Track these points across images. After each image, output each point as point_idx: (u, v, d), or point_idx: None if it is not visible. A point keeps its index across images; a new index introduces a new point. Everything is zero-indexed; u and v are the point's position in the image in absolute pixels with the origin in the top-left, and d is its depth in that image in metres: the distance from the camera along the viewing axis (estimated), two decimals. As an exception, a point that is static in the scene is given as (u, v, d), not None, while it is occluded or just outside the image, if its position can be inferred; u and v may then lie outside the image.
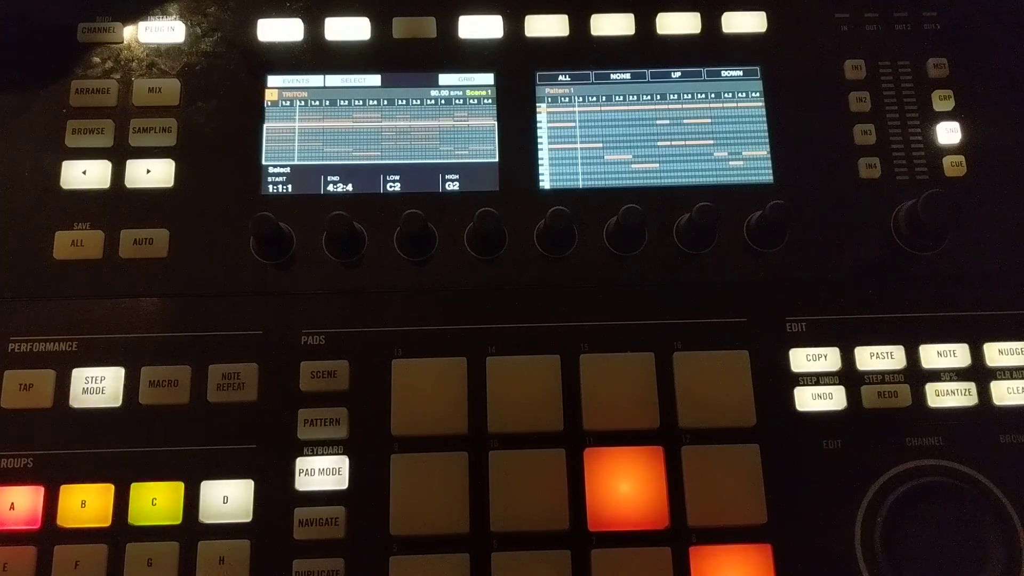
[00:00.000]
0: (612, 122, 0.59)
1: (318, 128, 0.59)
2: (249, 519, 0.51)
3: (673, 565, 0.50)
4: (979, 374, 0.54)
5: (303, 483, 0.51)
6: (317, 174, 0.58)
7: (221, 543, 0.50)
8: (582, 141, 0.59)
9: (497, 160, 0.58)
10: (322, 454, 0.52)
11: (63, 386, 0.53)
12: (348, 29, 0.60)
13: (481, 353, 0.53)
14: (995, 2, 0.62)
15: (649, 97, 0.60)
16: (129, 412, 0.52)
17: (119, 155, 0.57)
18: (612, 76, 0.60)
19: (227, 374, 0.53)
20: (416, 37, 0.60)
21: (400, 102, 0.59)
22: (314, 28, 0.60)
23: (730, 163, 0.58)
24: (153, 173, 0.57)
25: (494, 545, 0.50)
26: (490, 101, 0.59)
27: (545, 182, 0.58)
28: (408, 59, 0.60)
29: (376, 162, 0.58)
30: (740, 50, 0.61)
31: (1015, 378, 0.54)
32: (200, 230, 0.56)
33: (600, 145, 0.59)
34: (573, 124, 0.59)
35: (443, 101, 0.59)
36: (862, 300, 0.55)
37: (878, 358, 0.54)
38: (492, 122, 0.59)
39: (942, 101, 0.60)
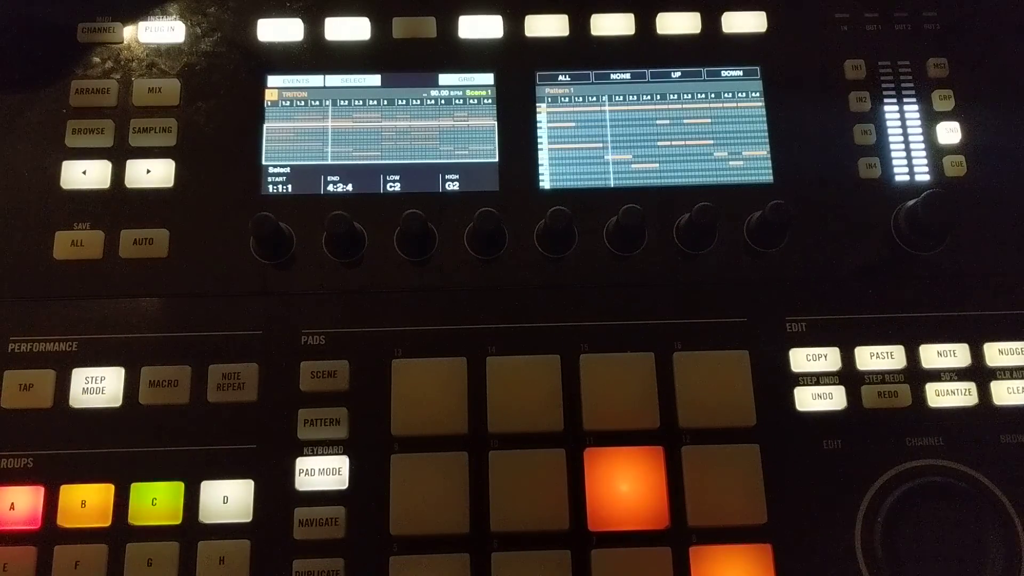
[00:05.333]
0: (612, 122, 0.59)
1: (318, 128, 0.59)
2: (249, 519, 0.51)
3: (673, 565, 0.50)
4: (979, 374, 0.54)
5: (303, 483, 0.51)
6: (317, 174, 0.58)
7: (221, 543, 0.50)
8: (582, 141, 0.59)
9: (497, 160, 0.58)
10: (322, 454, 0.52)
11: (63, 386, 0.53)
12: (348, 29, 0.60)
13: (481, 353, 0.53)
14: (995, 2, 0.62)
15: (649, 97, 0.60)
16: (129, 412, 0.52)
17: (119, 155, 0.57)
18: (612, 76, 0.60)
19: (227, 374, 0.53)
20: (416, 37, 0.60)
21: (400, 102, 0.59)
22: (314, 28, 0.60)
23: (730, 163, 0.58)
24: (153, 173, 0.57)
25: (494, 545, 0.51)
26: (490, 101, 0.59)
27: (545, 182, 0.58)
28: (408, 59, 0.60)
29: (376, 162, 0.58)
30: (740, 50, 0.61)
31: (1015, 378, 0.54)
32: (200, 230, 0.56)
33: (600, 145, 0.59)
34: (573, 124, 0.59)
35: (443, 101, 0.59)
36: (862, 300, 0.55)
37: (878, 358, 0.54)
38: (492, 122, 0.59)
39: (942, 101, 0.60)
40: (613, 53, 0.60)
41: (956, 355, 0.54)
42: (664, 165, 0.58)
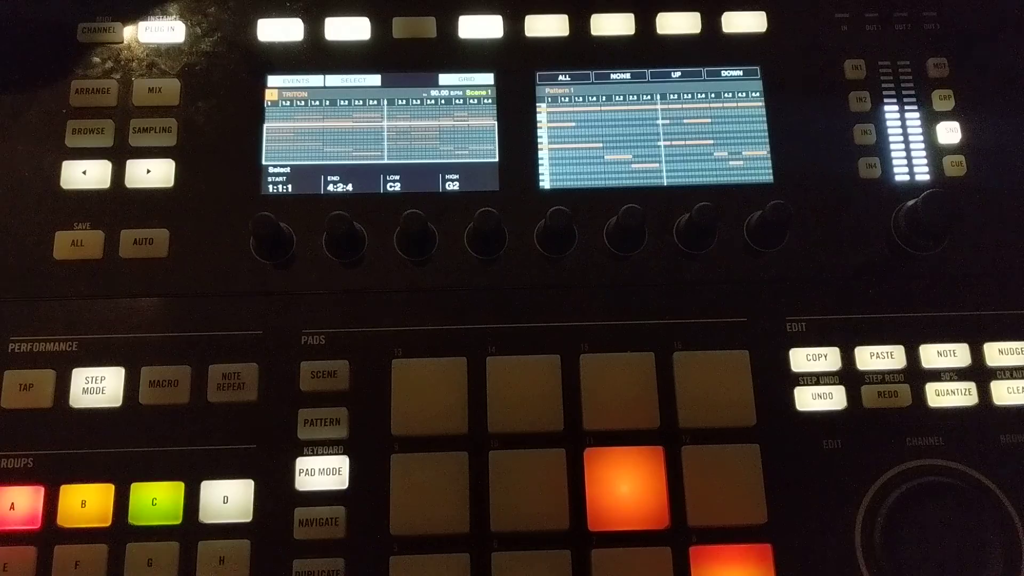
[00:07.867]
0: (612, 122, 0.59)
1: (318, 128, 0.59)
2: (249, 519, 0.51)
3: (673, 565, 0.50)
4: (979, 374, 0.54)
5: (303, 483, 0.51)
6: (317, 174, 0.58)
7: (221, 543, 0.50)
8: (582, 141, 0.59)
9: (497, 160, 0.58)
10: (322, 454, 0.52)
11: (63, 386, 0.53)
12: (348, 29, 0.60)
13: (481, 353, 0.53)
14: (995, 2, 0.62)
15: (649, 97, 0.60)
16: (129, 412, 0.52)
17: (119, 155, 0.57)
18: (612, 76, 0.60)
19: (227, 374, 0.53)
20: (416, 37, 0.60)
21: (400, 102, 0.59)
22: (314, 28, 0.60)
23: (730, 163, 0.58)
24: (153, 173, 0.57)
25: (494, 545, 0.51)
26: (490, 101, 0.59)
27: (545, 182, 0.58)
28: (408, 59, 0.60)
29: (376, 162, 0.58)
30: (740, 50, 0.61)
31: (1015, 378, 0.54)
32: (200, 230, 0.56)
33: (600, 145, 0.59)
34: (573, 124, 0.59)
35: (443, 101, 0.59)
36: (862, 300, 0.55)
37: (878, 358, 0.54)
38: (492, 122, 0.59)
39: (942, 101, 0.60)
40: (613, 53, 0.60)
41: (956, 355, 0.54)
42: (664, 165, 0.58)
